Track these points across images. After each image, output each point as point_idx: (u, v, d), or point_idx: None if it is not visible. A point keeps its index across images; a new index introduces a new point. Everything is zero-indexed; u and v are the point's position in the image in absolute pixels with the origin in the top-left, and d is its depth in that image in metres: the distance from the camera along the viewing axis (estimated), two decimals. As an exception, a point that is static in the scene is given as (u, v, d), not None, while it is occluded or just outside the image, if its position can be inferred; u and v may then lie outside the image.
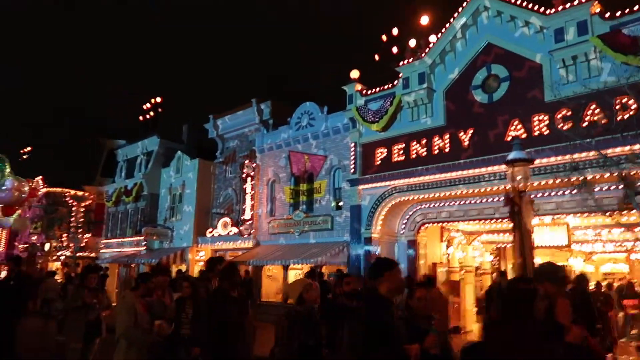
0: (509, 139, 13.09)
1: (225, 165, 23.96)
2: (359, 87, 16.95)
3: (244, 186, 20.33)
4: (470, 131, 13.95)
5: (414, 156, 15.18)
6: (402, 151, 15.50)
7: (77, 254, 26.61)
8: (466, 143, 14.00)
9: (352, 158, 16.82)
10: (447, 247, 17.67)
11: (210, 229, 22.79)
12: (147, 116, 29.49)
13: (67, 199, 30.12)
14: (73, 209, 29.41)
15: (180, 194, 25.06)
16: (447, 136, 14.48)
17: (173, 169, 25.82)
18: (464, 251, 18.55)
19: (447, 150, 14.42)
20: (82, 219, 28.89)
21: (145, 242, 25.55)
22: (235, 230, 21.28)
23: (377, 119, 15.83)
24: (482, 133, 13.72)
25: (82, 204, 29.33)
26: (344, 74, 17.80)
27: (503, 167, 13.00)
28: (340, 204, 17.95)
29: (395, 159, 15.61)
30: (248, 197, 20.31)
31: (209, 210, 24.15)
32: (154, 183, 26.59)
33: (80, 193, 30.23)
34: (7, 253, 45.12)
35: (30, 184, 30.75)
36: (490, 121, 13.59)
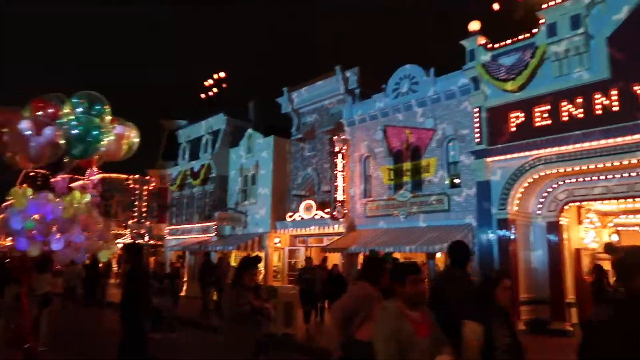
0: None
1: (302, 142, 21.67)
2: (482, 40, 14.16)
3: (336, 162, 17.92)
4: (651, 83, 11.03)
5: (565, 119, 12.35)
6: (547, 114, 12.68)
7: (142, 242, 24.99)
8: (645, 99, 11.09)
9: (476, 126, 14.11)
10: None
11: (291, 213, 20.61)
12: (210, 93, 27.45)
13: (130, 183, 28.56)
14: (136, 193, 27.76)
15: (253, 175, 22.95)
16: (614, 92, 11.56)
17: (243, 148, 23.71)
18: (597, 235, 15.73)
19: (615, 109, 11.53)
20: (145, 204, 27.25)
21: (215, 228, 23.67)
22: (321, 213, 19.02)
23: (514, 76, 13.05)
24: (669, 85, 10.78)
25: (146, 188, 27.66)
26: (444, 32, 15.01)
27: None
28: (457, 180, 15.32)
29: (538, 124, 12.81)
30: (340, 176, 17.91)
31: (286, 193, 21.99)
32: (222, 164, 24.58)
33: (144, 177, 28.58)
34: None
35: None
36: (681, 69, 10.64)
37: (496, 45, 13.86)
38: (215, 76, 27.25)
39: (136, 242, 20.06)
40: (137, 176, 28.32)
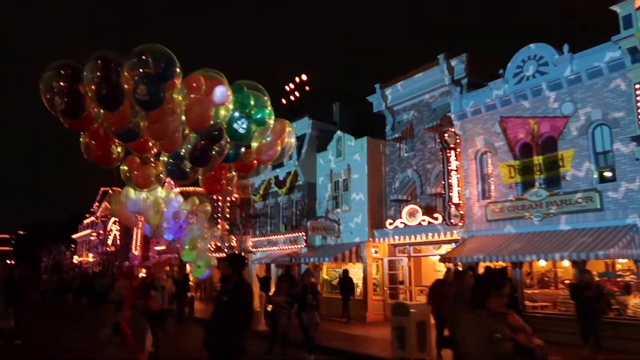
0: None
1: (399, 142, 19.78)
2: (641, 2, 11.77)
3: (449, 160, 15.86)
4: None
5: None
6: None
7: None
8: None
9: (638, 106, 11.68)
10: None
11: (391, 220, 18.68)
12: (292, 97, 26.23)
13: (211, 195, 27.72)
14: (220, 205, 26.83)
15: (345, 181, 21.27)
16: None
17: (332, 152, 22.12)
18: None
19: None
20: (228, 216, 26.24)
21: (305, 239, 22.14)
22: (428, 219, 16.97)
23: (695, 39, 10.58)
24: None
25: (228, 199, 26.70)
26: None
27: None
28: (608, 173, 12.83)
29: None
30: (454, 176, 15.82)
31: (383, 198, 20.12)
32: (309, 170, 23.11)
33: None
34: (143, 256, 45.00)
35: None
36: None
37: (662, 6, 11.42)
38: (297, 79, 26.02)
39: (236, 253, 18.89)
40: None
